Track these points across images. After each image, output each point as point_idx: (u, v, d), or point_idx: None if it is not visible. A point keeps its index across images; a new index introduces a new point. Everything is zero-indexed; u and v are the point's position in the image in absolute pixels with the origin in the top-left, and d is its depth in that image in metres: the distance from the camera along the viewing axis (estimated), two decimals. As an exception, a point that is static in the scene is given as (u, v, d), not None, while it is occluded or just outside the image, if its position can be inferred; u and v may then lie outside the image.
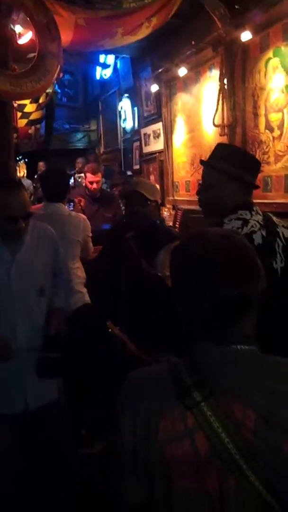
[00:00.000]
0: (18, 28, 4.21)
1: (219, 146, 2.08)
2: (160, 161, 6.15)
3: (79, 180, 6.82)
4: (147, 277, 2.33)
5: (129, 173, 7.12)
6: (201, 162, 2.09)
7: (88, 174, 4.83)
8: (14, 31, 4.16)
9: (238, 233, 1.14)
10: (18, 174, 6.56)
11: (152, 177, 6.44)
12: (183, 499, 1.04)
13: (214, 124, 4.51)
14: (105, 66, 7.35)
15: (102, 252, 2.91)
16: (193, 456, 1.03)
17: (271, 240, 1.88)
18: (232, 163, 1.91)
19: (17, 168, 6.63)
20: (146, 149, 6.63)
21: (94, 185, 4.78)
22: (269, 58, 3.84)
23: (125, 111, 7.43)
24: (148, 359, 1.93)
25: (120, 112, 7.62)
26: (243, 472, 0.99)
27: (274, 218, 2.00)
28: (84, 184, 5.13)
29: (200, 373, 1.06)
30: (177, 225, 4.65)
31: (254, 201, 2.01)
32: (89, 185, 4.81)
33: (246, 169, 1.94)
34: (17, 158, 6.13)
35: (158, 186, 3.79)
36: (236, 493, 1.00)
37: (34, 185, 6.40)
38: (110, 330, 2.11)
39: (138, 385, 1.14)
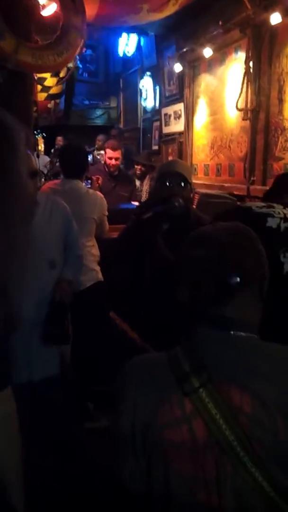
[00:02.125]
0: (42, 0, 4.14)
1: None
2: (180, 143, 6.08)
3: (98, 157, 6.77)
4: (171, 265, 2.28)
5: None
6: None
7: (108, 150, 4.83)
8: (38, 2, 4.08)
9: (246, 227, 1.19)
10: (39, 148, 6.52)
11: (170, 159, 6.37)
12: (180, 484, 1.06)
13: (237, 108, 4.44)
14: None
15: (125, 232, 2.73)
16: (191, 441, 1.05)
17: None
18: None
19: (37, 143, 6.60)
20: (166, 130, 6.55)
21: (113, 161, 4.79)
22: (298, 43, 3.75)
23: (146, 90, 7.33)
24: (149, 347, 1.94)
25: (141, 90, 7.52)
26: (240, 459, 1.01)
27: None
28: (103, 161, 5.11)
29: (198, 359, 1.08)
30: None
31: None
32: (108, 161, 4.81)
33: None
34: (35, 132, 6.10)
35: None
36: (232, 479, 1.02)
37: (51, 160, 6.38)
38: (113, 320, 2.15)
39: (138, 371, 1.16)
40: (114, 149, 4.79)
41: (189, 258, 1.16)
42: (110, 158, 4.79)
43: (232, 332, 1.10)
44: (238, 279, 1.09)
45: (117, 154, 4.79)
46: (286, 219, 1.85)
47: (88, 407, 3.22)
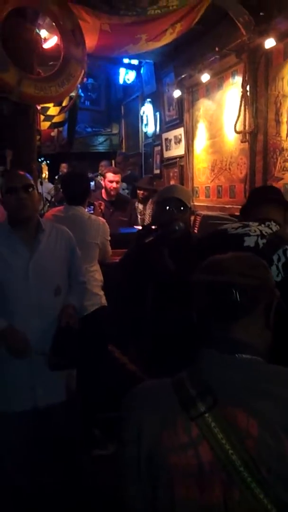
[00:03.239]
0: (43, 33, 4.25)
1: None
2: (181, 166, 6.16)
3: (101, 182, 6.86)
4: (178, 287, 2.26)
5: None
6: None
7: (109, 174, 4.89)
8: (40, 36, 4.21)
9: (256, 256, 1.24)
10: (43, 176, 6.61)
11: (172, 182, 6.44)
12: (186, 510, 1.04)
13: (235, 131, 4.50)
14: (129, 67, 7.35)
15: (127, 256, 2.70)
16: (197, 467, 1.03)
17: (268, 250, 1.86)
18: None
19: (41, 170, 6.70)
20: (167, 154, 6.63)
21: (114, 184, 4.85)
22: (293, 66, 3.82)
23: (147, 116, 7.45)
24: (148, 378, 1.94)
25: (142, 116, 7.64)
26: (248, 484, 0.98)
27: None
28: (103, 185, 5.18)
29: (203, 383, 1.07)
30: (195, 230, 4.65)
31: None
32: (109, 185, 4.86)
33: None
34: (39, 160, 6.20)
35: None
36: (240, 505, 1.00)
37: (55, 186, 6.48)
38: (111, 352, 2.13)
39: (143, 397, 1.16)
40: (115, 172, 4.90)
41: (196, 283, 1.17)
42: (111, 182, 4.85)
43: (237, 355, 1.10)
44: (242, 302, 1.10)
45: (118, 177, 4.89)
46: (262, 236, 1.87)
47: (95, 434, 3.17)
